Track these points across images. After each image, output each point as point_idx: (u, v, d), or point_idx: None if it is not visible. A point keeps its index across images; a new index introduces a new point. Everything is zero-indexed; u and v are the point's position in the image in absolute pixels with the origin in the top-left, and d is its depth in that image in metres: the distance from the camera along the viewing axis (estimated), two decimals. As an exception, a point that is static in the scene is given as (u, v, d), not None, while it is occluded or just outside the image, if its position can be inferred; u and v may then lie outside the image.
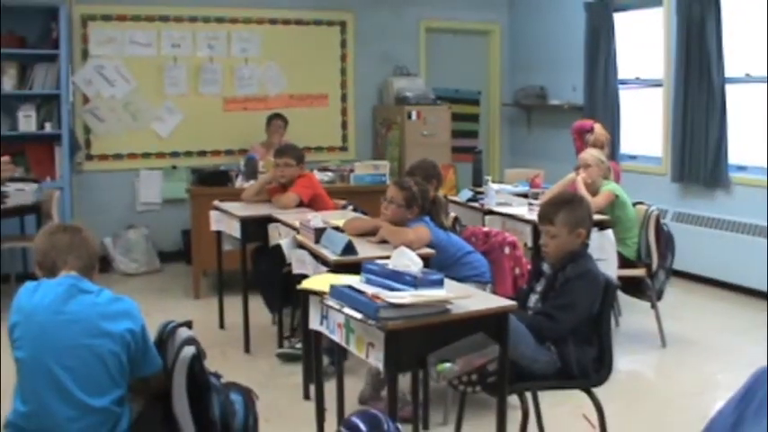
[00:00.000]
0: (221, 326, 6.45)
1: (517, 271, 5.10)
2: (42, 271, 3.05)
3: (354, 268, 3.70)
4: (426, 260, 4.02)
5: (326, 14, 9.47)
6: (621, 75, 8.76)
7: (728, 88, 7.47)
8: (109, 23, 8.51)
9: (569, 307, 3.67)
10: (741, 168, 7.54)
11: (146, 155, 8.77)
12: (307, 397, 4.87)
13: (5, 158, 7.06)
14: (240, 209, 6.05)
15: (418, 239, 4.53)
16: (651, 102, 8.49)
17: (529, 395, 3.81)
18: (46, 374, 2.80)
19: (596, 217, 4.98)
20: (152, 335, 3.11)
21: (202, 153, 8.98)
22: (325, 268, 4.42)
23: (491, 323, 3.23)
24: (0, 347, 3.45)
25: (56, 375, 2.80)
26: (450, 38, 10.24)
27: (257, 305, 6.16)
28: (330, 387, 4.23)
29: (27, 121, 7.90)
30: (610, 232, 5.68)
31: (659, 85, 8.30)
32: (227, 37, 9.00)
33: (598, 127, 6.99)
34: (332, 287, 3.31)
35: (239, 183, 7.33)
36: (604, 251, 5.37)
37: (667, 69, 8.11)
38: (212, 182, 7.50)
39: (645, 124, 8.64)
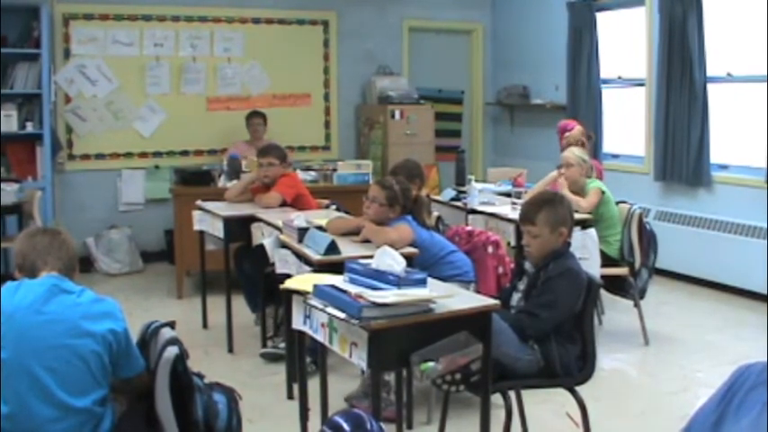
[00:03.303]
0: (204, 326, 6.43)
1: (500, 270, 5.10)
2: (22, 273, 3.03)
3: (337, 268, 3.70)
4: (409, 259, 4.02)
5: (309, 14, 9.46)
6: (604, 74, 8.79)
7: (710, 87, 7.50)
8: (91, 22, 8.47)
9: (551, 305, 3.68)
10: (723, 167, 7.57)
11: (128, 154, 8.74)
12: (290, 396, 4.86)
13: None
14: (223, 208, 6.03)
15: (401, 239, 4.54)
16: (633, 101, 8.52)
17: (512, 394, 3.82)
18: (27, 375, 2.78)
19: (578, 216, 4.99)
20: (135, 335, 3.10)
21: (185, 153, 8.95)
22: (308, 268, 4.42)
23: (474, 322, 3.23)
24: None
25: (37, 376, 2.78)
26: (434, 37, 10.26)
27: (241, 305, 6.16)
28: (313, 386, 4.22)
29: (8, 120, 7.85)
30: (592, 231, 5.69)
31: (641, 85, 8.33)
32: (209, 36, 8.98)
33: (576, 128, 7.02)
34: (315, 287, 3.30)
35: (222, 182, 7.31)
36: (587, 250, 5.39)
37: (649, 69, 8.14)
38: (195, 181, 7.48)
39: (627, 123, 8.67)
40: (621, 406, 4.89)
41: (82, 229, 8.20)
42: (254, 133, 8.53)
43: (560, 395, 3.84)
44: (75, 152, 8.54)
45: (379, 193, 4.78)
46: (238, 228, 5.80)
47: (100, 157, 8.63)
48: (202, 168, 7.93)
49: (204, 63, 8.97)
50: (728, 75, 7.49)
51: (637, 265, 6.02)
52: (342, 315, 3.07)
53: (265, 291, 5.71)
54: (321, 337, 3.30)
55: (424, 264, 4.33)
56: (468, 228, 5.48)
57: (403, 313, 3.05)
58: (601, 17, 8.79)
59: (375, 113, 9.38)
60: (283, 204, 6.03)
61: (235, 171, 7.24)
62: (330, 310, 3.16)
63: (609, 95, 8.85)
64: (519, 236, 5.19)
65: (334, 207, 6.18)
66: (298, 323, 3.53)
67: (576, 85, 8.95)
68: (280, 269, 4.82)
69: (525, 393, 4.18)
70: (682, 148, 7.70)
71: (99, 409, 2.89)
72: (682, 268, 7.69)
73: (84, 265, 7.83)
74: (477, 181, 6.77)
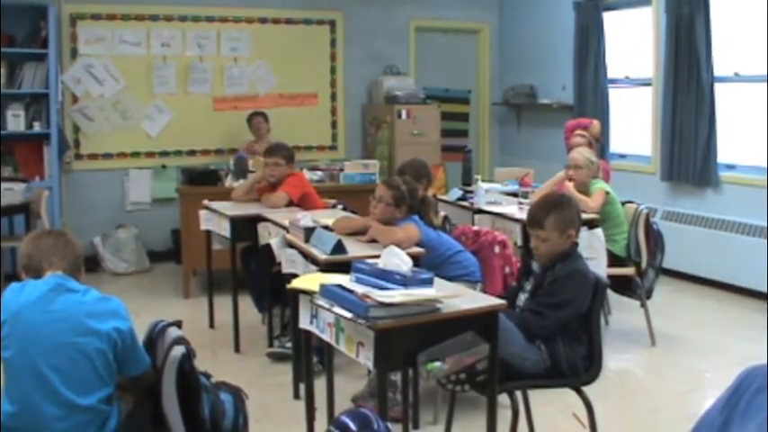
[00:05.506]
0: (211, 325, 6.43)
1: (507, 270, 5.09)
2: (28, 274, 3.04)
3: (344, 267, 3.69)
4: (416, 259, 4.02)
5: (316, 13, 9.46)
6: (611, 74, 8.78)
7: (717, 87, 7.48)
8: (98, 22, 8.49)
9: (557, 305, 3.67)
10: (730, 167, 7.55)
11: (135, 154, 8.75)
12: (297, 396, 4.86)
13: None
14: (230, 208, 6.04)
15: (408, 238, 4.53)
16: (640, 101, 8.51)
17: (519, 394, 3.81)
18: (33, 373, 2.79)
19: (585, 216, 4.99)
20: (142, 334, 3.10)
21: (192, 152, 8.96)
22: (314, 267, 4.42)
23: (481, 322, 3.23)
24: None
25: (43, 374, 2.79)
26: (440, 37, 10.25)
27: (247, 305, 6.15)
28: (320, 386, 4.22)
29: (16, 120, 7.88)
30: (599, 231, 5.69)
31: (648, 84, 8.32)
32: (216, 36, 8.99)
33: (594, 124, 7.07)
34: (322, 286, 3.30)
35: (229, 182, 7.32)
36: (594, 250, 5.39)
37: (656, 68, 8.13)
38: (202, 181, 7.48)
39: (634, 123, 8.66)
40: (628, 406, 4.88)
41: (89, 228, 8.23)
42: (257, 132, 8.58)
43: (567, 395, 3.83)
44: (82, 152, 8.55)
45: (385, 193, 4.78)
46: (245, 227, 5.81)
47: (107, 156, 8.65)
48: (209, 168, 7.93)
49: (211, 63, 8.98)
50: (736, 74, 7.48)
51: (643, 265, 6.01)
52: (348, 315, 3.07)
53: (272, 290, 5.71)
54: (328, 336, 3.30)
55: (430, 263, 4.32)
56: (475, 228, 5.47)
57: (409, 313, 3.05)
58: (608, 17, 8.77)
59: (382, 113, 9.38)
60: (290, 204, 6.03)
61: (241, 170, 7.25)
62: (337, 309, 3.16)
63: (616, 95, 8.83)
64: (526, 236, 5.20)
65: (340, 207, 6.18)
66: (304, 323, 3.53)
67: (583, 85, 8.94)
68: (286, 269, 4.82)
69: (532, 393, 4.17)
70: (689, 148, 7.69)
71: (105, 408, 2.90)
72: (689, 268, 7.68)
73: (90, 264, 7.84)
74: (483, 181, 6.76)
